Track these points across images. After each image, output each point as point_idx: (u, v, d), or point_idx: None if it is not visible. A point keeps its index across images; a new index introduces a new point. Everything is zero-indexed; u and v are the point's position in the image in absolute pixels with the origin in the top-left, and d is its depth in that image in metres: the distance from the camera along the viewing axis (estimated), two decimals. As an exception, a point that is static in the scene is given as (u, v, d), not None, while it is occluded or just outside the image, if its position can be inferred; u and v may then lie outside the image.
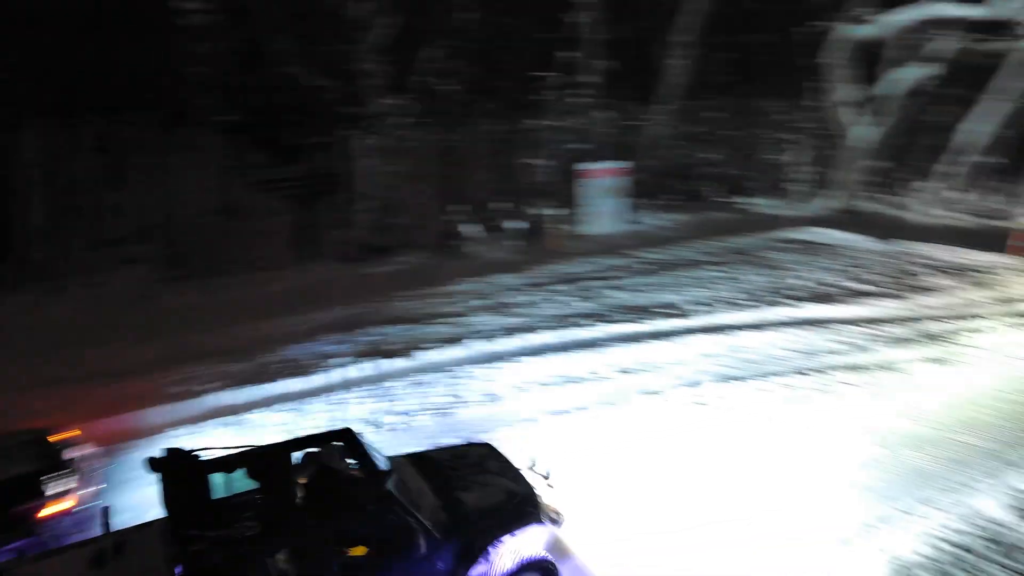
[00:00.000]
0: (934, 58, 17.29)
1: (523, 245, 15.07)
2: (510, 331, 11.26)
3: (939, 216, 17.15)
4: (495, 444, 6.70)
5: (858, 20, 15.94)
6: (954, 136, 18.13)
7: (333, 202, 16.54)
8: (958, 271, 13.64)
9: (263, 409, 9.25)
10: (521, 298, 12.71)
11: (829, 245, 15.14)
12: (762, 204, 18.08)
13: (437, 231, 15.98)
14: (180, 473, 4.98)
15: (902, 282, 13.09)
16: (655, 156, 19.33)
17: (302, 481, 5.16)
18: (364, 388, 9.74)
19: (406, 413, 9.05)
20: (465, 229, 14.99)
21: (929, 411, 8.87)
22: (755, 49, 24.46)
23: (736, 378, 9.76)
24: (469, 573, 5.28)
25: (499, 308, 12.27)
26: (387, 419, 8.94)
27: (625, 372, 10.02)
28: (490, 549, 5.35)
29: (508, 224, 15.20)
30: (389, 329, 11.48)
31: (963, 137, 18.03)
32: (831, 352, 10.55)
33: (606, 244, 15.51)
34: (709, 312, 11.83)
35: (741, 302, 12.24)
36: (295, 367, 10.26)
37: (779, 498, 7.06)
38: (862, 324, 11.45)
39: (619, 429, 8.36)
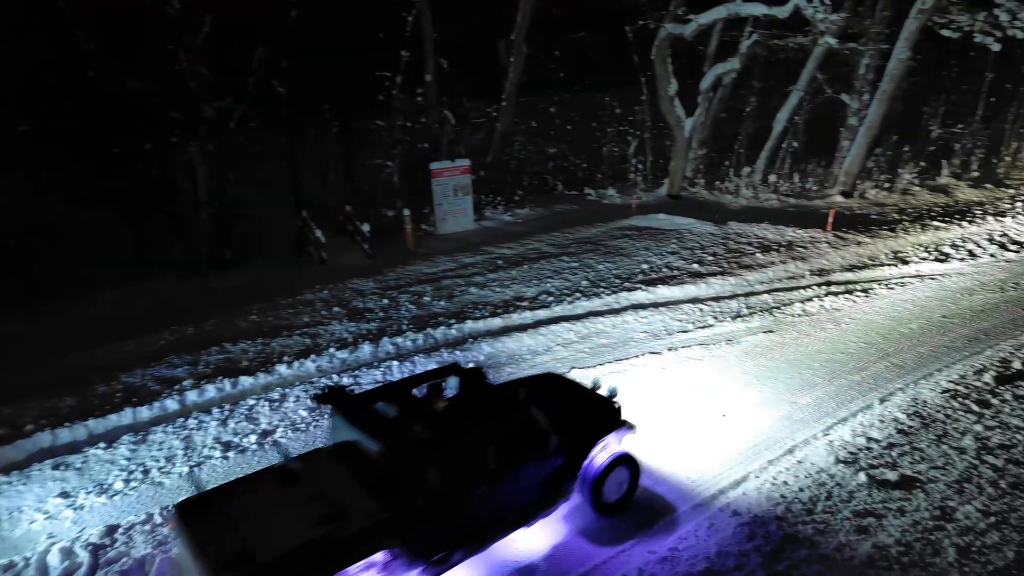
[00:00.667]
0: (748, 54, 18.85)
1: (377, 248, 14.77)
2: (370, 337, 11.03)
3: (766, 198, 18.77)
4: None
5: (679, 19, 17.05)
6: (773, 124, 19.90)
7: (171, 213, 15.38)
8: (786, 247, 14.99)
9: (105, 444, 8.46)
10: (379, 302, 12.49)
11: (672, 231, 16.11)
12: (608, 195, 18.91)
13: (287, 238, 15.30)
14: (349, 401, 6.25)
15: (738, 261, 14.19)
16: (503, 152, 19.68)
17: (442, 404, 6.32)
18: (218, 409, 9.15)
19: (266, 431, 8.60)
20: (316, 234, 14.46)
21: (764, 376, 9.73)
22: (589, 46, 25.59)
23: (592, 364, 10.21)
24: (582, 461, 6.77)
25: (357, 314, 11.97)
26: (246, 440, 8.47)
27: (488, 367, 10.11)
28: (593, 448, 6.84)
29: (360, 227, 14.83)
30: (241, 345, 10.86)
31: (779, 125, 19.84)
32: (680, 331, 11.24)
33: (461, 242, 15.57)
34: (567, 302, 12.22)
35: (596, 290, 12.74)
36: (140, 394, 9.46)
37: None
38: (705, 302, 12.30)
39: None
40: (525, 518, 6.41)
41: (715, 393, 9.31)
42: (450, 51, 18.62)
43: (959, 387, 9.55)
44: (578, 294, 12.54)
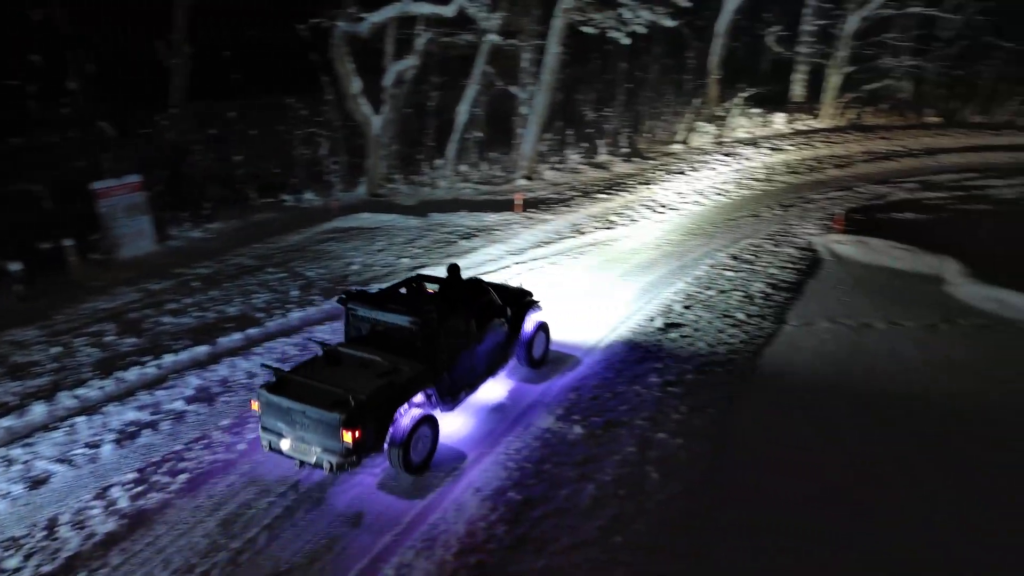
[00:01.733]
0: (424, 51, 19.59)
1: (37, 288, 12.44)
2: (42, 394, 9.30)
3: (460, 188, 19.77)
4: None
5: (353, 17, 17.05)
6: (456, 117, 20.96)
7: None
8: (485, 231, 15.97)
9: None
10: (48, 351, 10.56)
11: (377, 228, 16.18)
12: (307, 198, 18.29)
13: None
14: (371, 298, 8.51)
15: (444, 250, 14.76)
16: (180, 164, 17.87)
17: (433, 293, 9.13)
18: None
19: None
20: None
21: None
22: (263, 46, 24.35)
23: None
24: (521, 328, 9.53)
25: (20, 370, 10.00)
26: None
27: (208, 402, 9.20)
28: (524, 320, 9.56)
29: (6, 266, 12.33)
30: None
31: (461, 118, 20.98)
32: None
33: (145, 267, 13.84)
34: (279, 315, 11.58)
35: (309, 297, 12.28)
36: None
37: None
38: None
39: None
40: (492, 370, 9.17)
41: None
42: (101, 53, 16.23)
43: (638, 337, 11.14)
44: (291, 305, 11.96)
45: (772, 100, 29.24)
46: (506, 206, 17.76)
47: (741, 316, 11.81)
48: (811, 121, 28.62)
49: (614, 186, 20.14)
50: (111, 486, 7.64)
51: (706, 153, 24.08)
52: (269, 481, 7.71)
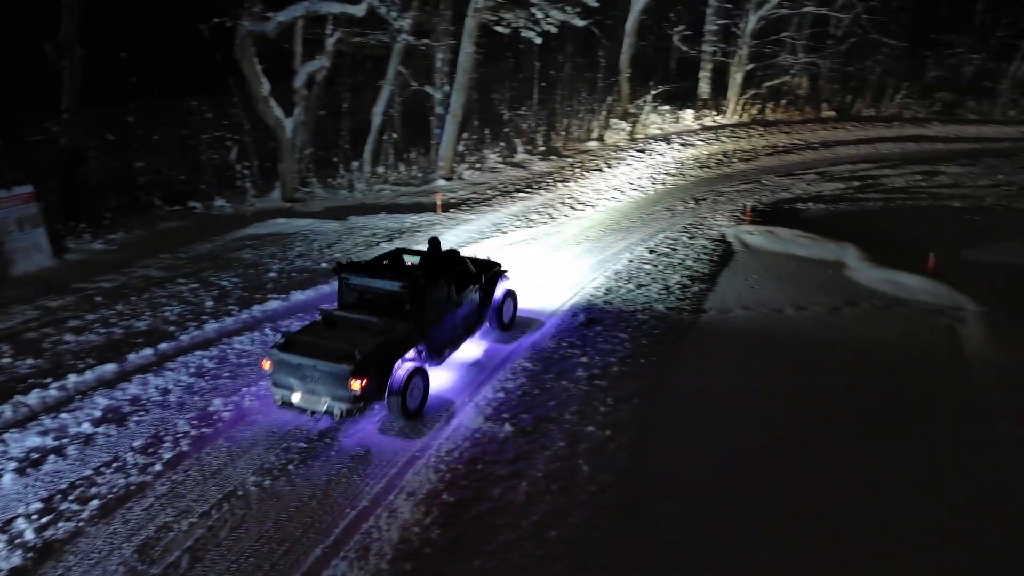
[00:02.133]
0: (334, 51, 19.19)
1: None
2: (-65, 424, 8.57)
3: (379, 190, 19.47)
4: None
5: (259, 16, 16.50)
6: (371, 118, 20.64)
7: None
8: (406, 233, 15.80)
9: None
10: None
11: (294, 233, 15.73)
12: (217, 205, 17.58)
13: None
14: (362, 267, 9.56)
15: (367, 252, 14.50)
16: (76, 172, 16.82)
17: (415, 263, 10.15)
18: None
19: None
20: None
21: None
22: (164, 47, 23.26)
23: (238, 388, 9.54)
24: (492, 295, 10.67)
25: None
26: None
27: (118, 422, 8.72)
28: (495, 288, 10.69)
29: None
30: None
31: (377, 119, 20.68)
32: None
33: (42, 284, 12.94)
34: (193, 327, 11.09)
35: (225, 307, 11.82)
36: None
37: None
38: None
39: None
40: (470, 331, 10.27)
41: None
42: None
43: (561, 332, 11.30)
44: (205, 316, 11.48)
45: (681, 97, 30.23)
46: (426, 207, 17.63)
47: (661, 308, 12.16)
48: (718, 117, 29.75)
49: (533, 184, 20.32)
50: (14, 518, 7.12)
51: (621, 150, 24.65)
52: (189, 500, 7.39)
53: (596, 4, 20.99)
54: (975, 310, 12.23)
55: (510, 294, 11.14)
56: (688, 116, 29.07)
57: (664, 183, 21.04)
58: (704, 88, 30.56)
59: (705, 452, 8.32)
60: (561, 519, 7.16)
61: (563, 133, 25.36)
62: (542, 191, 19.65)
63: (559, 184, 20.43)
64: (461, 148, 22.04)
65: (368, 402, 8.28)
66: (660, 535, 6.98)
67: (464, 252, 11.45)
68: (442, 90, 20.85)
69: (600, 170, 22.12)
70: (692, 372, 10.20)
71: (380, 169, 20.77)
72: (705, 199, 19.31)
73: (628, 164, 23.00)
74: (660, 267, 14.07)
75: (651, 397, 9.43)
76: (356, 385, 7.94)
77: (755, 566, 6.69)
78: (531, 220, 17.11)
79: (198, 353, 10.38)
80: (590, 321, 11.54)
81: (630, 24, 27.27)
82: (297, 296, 12.31)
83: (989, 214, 15.71)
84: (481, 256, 11.30)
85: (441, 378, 9.65)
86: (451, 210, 17.53)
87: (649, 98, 28.03)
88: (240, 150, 19.13)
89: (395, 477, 7.81)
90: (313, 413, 8.35)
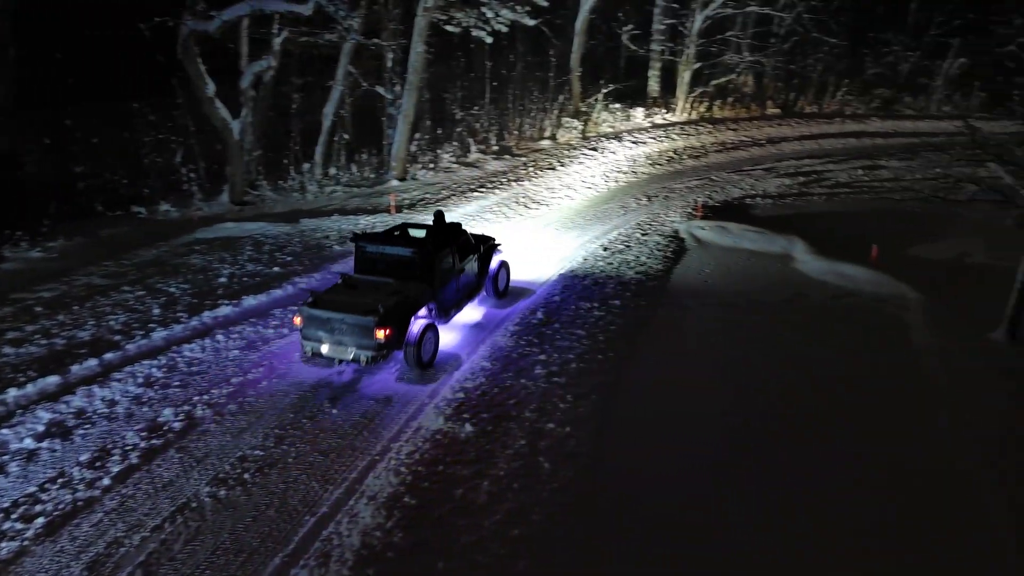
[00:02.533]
0: (281, 51, 18.83)
1: None
2: None
3: (331, 191, 19.18)
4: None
5: (202, 15, 16.06)
6: (322, 119, 20.32)
7: None
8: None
9: None
10: None
11: (244, 237, 15.36)
12: (163, 210, 17.05)
13: None
14: (377, 236, 11.00)
15: (318, 255, 14.28)
16: (13, 177, 16.12)
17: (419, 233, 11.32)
18: None
19: None
20: None
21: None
22: (102, 46, 22.48)
23: (190, 396, 9.29)
24: (488, 265, 11.84)
25: None
26: None
27: (63, 437, 8.39)
28: (491, 259, 11.87)
29: None
30: None
31: (327, 120, 20.37)
32: (278, 338, 10.91)
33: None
34: (140, 336, 10.74)
35: (173, 315, 11.48)
36: None
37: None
38: (294, 306, 12.11)
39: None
40: (471, 296, 11.47)
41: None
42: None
43: (520, 330, 11.32)
44: (152, 324, 11.12)
45: (631, 96, 30.56)
46: (380, 208, 17.45)
47: (617, 304, 12.28)
48: (668, 115, 30.19)
49: (487, 184, 20.30)
50: (-48, 542, 6.80)
51: (573, 148, 24.80)
52: (141, 515, 7.15)
53: (546, 4, 21.06)
54: (916, 298, 12.70)
55: (504, 265, 12.35)
56: (639, 114, 29.42)
57: (617, 181, 21.27)
58: (654, 87, 30.97)
59: (664, 446, 8.44)
60: (524, 517, 7.17)
61: (516, 132, 25.39)
62: (496, 190, 19.65)
63: (513, 183, 20.45)
64: (414, 148, 21.87)
65: (390, 350, 9.40)
66: (623, 530, 7.05)
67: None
68: (393, 90, 20.66)
69: (553, 168, 22.22)
70: (649, 367, 10.34)
71: (332, 170, 20.46)
72: (657, 196, 19.58)
73: (581, 162, 23.17)
74: (615, 264, 14.21)
75: (609, 393, 9.52)
76: (380, 334, 9.07)
77: (716, 557, 6.82)
78: (486, 220, 17.09)
79: (146, 362, 10.05)
80: (549, 318, 11.59)
81: (579, 23, 27.45)
82: (249, 301, 12.02)
83: (927, 205, 16.35)
84: (477, 231, 12.46)
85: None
86: (405, 211, 17.39)
87: (600, 97, 28.28)
88: (185, 153, 18.59)
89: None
90: (340, 362, 9.58)
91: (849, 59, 34.01)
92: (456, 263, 10.78)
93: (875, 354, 10.86)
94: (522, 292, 12.72)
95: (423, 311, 9.90)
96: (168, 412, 8.87)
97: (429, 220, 11.74)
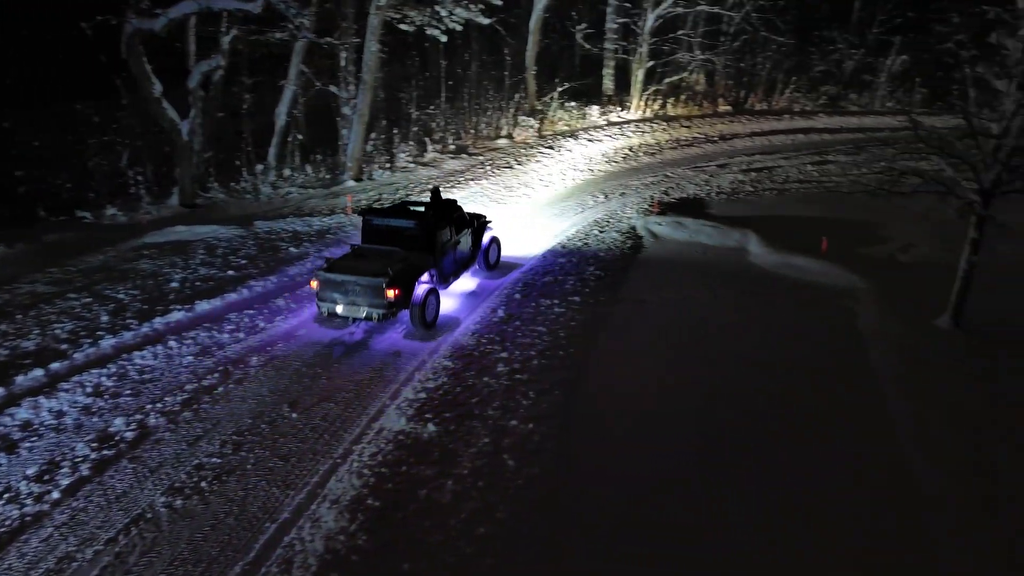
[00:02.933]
0: (230, 50, 18.43)
1: None
2: None
3: (285, 192, 18.83)
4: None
5: (147, 13, 15.60)
6: (275, 119, 19.95)
7: None
8: (316, 236, 15.37)
9: None
10: None
11: (196, 241, 14.97)
12: (109, 214, 16.52)
13: None
14: (381, 211, 12.86)
15: (274, 258, 14.02)
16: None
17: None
18: None
19: None
20: None
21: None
22: (42, 47, 21.67)
23: (143, 404, 9.02)
24: (481, 240, 13.16)
25: None
26: None
27: (8, 450, 8.06)
28: (483, 234, 13.23)
29: None
30: None
31: (280, 120, 20.01)
32: (233, 343, 10.67)
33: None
34: (88, 344, 10.37)
35: (122, 321, 11.13)
36: None
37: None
38: (253, 306, 11.88)
39: None
40: (466, 266, 12.74)
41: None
42: None
43: (482, 328, 11.30)
44: (101, 332, 10.75)
45: (587, 94, 30.77)
46: (336, 209, 17.21)
47: (577, 300, 12.35)
48: (623, 113, 30.48)
49: (444, 183, 20.20)
50: None
51: (530, 147, 24.86)
52: (93, 528, 6.91)
53: (500, 3, 21.05)
54: (865, 288, 13.08)
55: (495, 240, 13.72)
56: (594, 112, 29.63)
57: (574, 179, 21.39)
58: (608, 85, 31.24)
59: (626, 441, 8.51)
60: (489, 515, 7.15)
61: (472, 131, 25.33)
62: (454, 189, 19.57)
63: (471, 182, 20.40)
64: (370, 148, 21.63)
65: (398, 309, 10.56)
66: (588, 526, 7.09)
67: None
68: (348, 90, 20.40)
69: (511, 167, 22.24)
70: (610, 362, 10.42)
71: (286, 172, 20.10)
72: (614, 193, 19.76)
73: (538, 161, 23.23)
74: (574, 260, 14.29)
75: (572, 389, 9.56)
76: (391, 294, 10.27)
77: (681, 553, 6.90)
78: (445, 219, 17.00)
79: (95, 371, 9.72)
80: (509, 316, 11.59)
81: (533, 22, 27.52)
82: (203, 306, 11.72)
83: (874, 198, 16.84)
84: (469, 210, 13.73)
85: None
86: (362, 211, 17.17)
87: (556, 95, 28.41)
88: (132, 155, 18.05)
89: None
90: (353, 320, 10.79)
91: (796, 57, 34.85)
92: (452, 236, 12.00)
93: (827, 342, 11.14)
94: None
95: (425, 276, 11.01)
96: (119, 422, 8.60)
97: (427, 198, 12.82)
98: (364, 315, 10.45)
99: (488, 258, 13.50)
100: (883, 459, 8.29)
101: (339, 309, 10.59)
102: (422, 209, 12.20)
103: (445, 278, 11.88)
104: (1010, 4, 11.85)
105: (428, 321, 11.00)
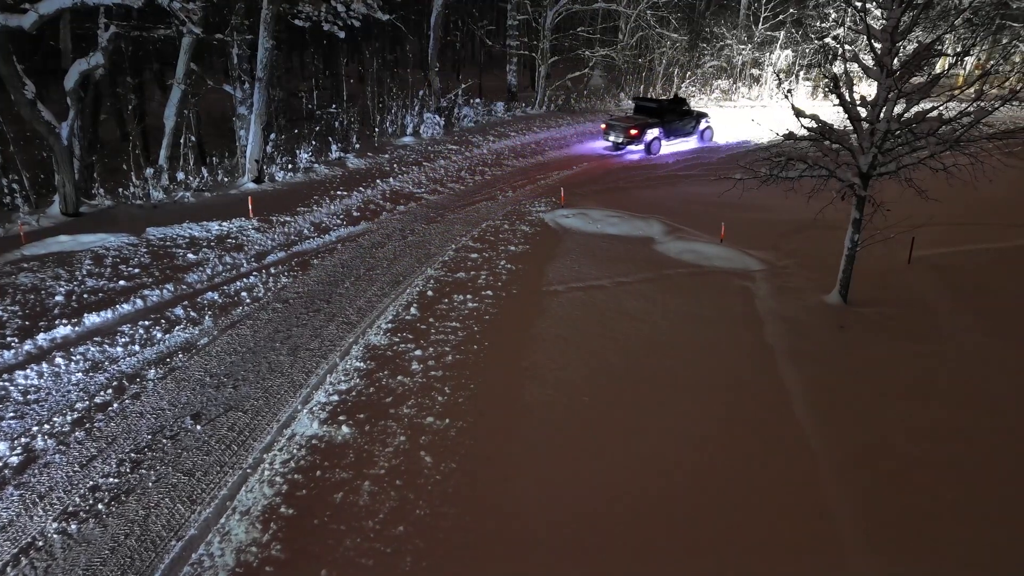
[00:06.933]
0: (111, 47, 17.35)
1: None
2: None
3: (180, 196, 17.92)
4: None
5: (14, 9, 14.45)
6: (164, 121, 18.94)
7: None
8: (216, 242, 14.72)
9: None
10: None
11: (82, 251, 14.03)
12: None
13: None
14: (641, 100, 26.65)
15: (170, 266, 13.33)
16: None
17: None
18: None
19: None
20: None
21: (225, 372, 9.56)
22: None
23: (19, 431, 8.39)
24: (698, 126, 26.33)
25: None
26: None
27: None
28: (700, 121, 26.44)
29: None
30: None
31: (170, 121, 19.02)
32: (128, 356, 10.08)
33: None
34: (-36, 366, 9.56)
35: (3, 340, 10.29)
36: None
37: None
38: (150, 315, 11.26)
39: None
40: (686, 137, 25.71)
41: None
42: None
43: (396, 326, 11.15)
44: (-24, 353, 9.91)
45: (492, 91, 30.90)
46: (236, 212, 16.54)
47: (489, 294, 12.37)
48: (528, 109, 30.80)
49: (351, 182, 19.81)
50: None
51: (437, 143, 24.72)
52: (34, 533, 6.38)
53: (398, -2, 20.77)
54: (760, 269, 13.75)
55: (709, 127, 25.99)
56: (500, 108, 29.80)
57: (483, 174, 21.42)
58: (512, 81, 31.48)
59: (543, 430, 8.60)
60: (408, 513, 7.07)
61: (377, 129, 24.95)
62: (361, 188, 19.21)
63: (378, 180, 20.08)
64: (269, 149, 20.91)
65: (635, 142, 23.49)
66: (507, 515, 7.12)
67: (296, 249, 12.85)
68: (242, 88, 19.63)
69: (419, 164, 22.04)
70: (522, 352, 10.50)
71: (180, 175, 19.14)
72: (523, 187, 19.92)
73: (446, 157, 23.13)
74: (486, 254, 14.31)
75: (486, 381, 9.58)
76: (632, 132, 23.39)
77: (605, 538, 7.04)
78: (353, 218, 16.67)
79: (-30, 395, 8.97)
80: (424, 314, 11.48)
81: (434, 19, 27.37)
82: (93, 319, 11.00)
83: (765, 183, 17.79)
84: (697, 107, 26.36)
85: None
86: (264, 213, 16.60)
87: (460, 92, 28.37)
88: (4, 162, 16.72)
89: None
90: (617, 146, 23.93)
91: (690, 53, 36.23)
92: (675, 119, 24.52)
93: (726, 322, 11.64)
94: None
95: (656, 131, 23.71)
96: (2, 447, 7.96)
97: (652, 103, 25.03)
98: (621, 141, 23.43)
99: (703, 136, 25.82)
100: (776, 417, 8.73)
101: (611, 138, 23.70)
102: (660, 100, 25.10)
103: (666, 136, 24.16)
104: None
105: (651, 153, 23.66)
